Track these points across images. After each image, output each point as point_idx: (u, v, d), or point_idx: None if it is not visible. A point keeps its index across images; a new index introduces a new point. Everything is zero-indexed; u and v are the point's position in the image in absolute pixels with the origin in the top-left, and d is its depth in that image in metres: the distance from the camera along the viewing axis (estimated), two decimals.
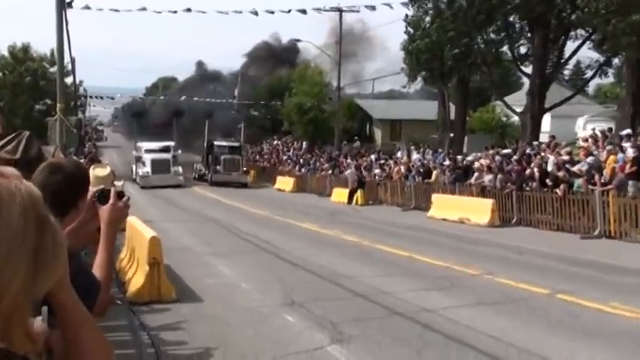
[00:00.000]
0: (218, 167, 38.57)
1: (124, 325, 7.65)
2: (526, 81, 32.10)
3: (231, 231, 17.80)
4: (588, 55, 32.96)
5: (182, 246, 14.12)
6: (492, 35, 30.89)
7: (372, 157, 33.75)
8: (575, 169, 17.56)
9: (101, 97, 75.44)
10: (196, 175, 42.06)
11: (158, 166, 37.14)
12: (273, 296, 9.19)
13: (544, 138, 27.31)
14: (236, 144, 41.30)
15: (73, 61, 42.18)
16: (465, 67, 31.97)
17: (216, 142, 40.35)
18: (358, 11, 43.06)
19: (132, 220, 10.66)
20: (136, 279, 9.35)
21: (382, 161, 31.14)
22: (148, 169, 37.28)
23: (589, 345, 6.73)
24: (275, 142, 53.71)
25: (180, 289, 9.47)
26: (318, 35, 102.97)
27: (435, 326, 7.45)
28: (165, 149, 39.33)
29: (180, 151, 41.53)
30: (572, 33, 29.31)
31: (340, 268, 11.33)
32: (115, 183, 8.49)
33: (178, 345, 7.00)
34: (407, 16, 33.41)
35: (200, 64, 70.89)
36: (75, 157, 13.74)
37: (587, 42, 28.94)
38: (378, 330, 7.34)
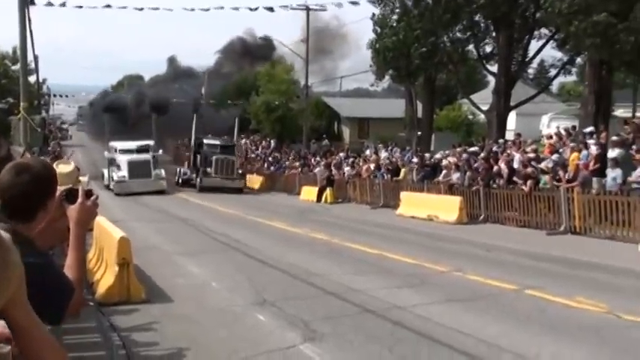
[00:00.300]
0: (209, 170, 33.11)
1: (94, 326, 7.55)
2: (492, 79, 32.53)
3: (200, 230, 17.69)
4: (552, 54, 33.63)
5: (150, 245, 13.98)
6: (458, 34, 31.23)
7: (341, 154, 33.87)
8: (541, 166, 17.87)
9: (65, 96, 74.32)
10: (180, 180, 36.12)
11: (137, 169, 31.70)
12: (243, 295, 9.16)
13: (510, 135, 27.74)
14: (229, 143, 36.27)
15: (36, 59, 41.48)
16: (431, 66, 32.26)
17: (205, 141, 35.23)
18: (325, 9, 43.27)
19: (100, 220, 10.52)
20: (105, 280, 9.24)
21: (352, 159, 31.25)
22: (124, 172, 31.75)
23: (556, 339, 6.86)
24: (243, 140, 53.48)
25: (150, 289, 9.38)
26: (294, 31, 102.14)
27: (406, 323, 7.51)
28: (144, 149, 33.70)
29: (161, 151, 36.79)
30: (536, 32, 29.80)
31: (311, 267, 11.35)
32: (80, 179, 8.37)
33: (149, 346, 6.94)
34: (374, 14, 33.58)
35: (172, 61, 68.44)
36: (42, 157, 13.50)
37: (551, 41, 29.47)
38: (349, 328, 7.37)
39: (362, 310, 8.17)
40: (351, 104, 55.11)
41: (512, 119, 33.40)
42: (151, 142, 35.86)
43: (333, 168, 29.88)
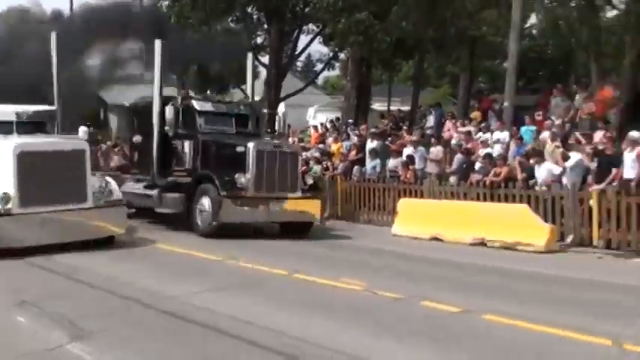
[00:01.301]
0: (242, 180, 13.45)
1: None
2: (263, 70, 33.31)
3: None
4: (318, 49, 35.49)
5: None
6: (232, 24, 31.48)
7: (109, 143, 32.18)
8: (310, 154, 18.84)
9: None
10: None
11: (43, 176, 11.13)
12: None
13: None
14: (258, 107, 18.16)
15: None
16: None
17: (197, 106, 15.55)
18: None
19: None
20: None
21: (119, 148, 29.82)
22: (6, 187, 10.74)
23: (327, 318, 7.25)
24: None
25: None
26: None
27: (178, 313, 7.39)
28: (39, 121, 14.06)
29: (91, 129, 17.18)
30: (305, 27, 31.18)
31: (74, 261, 10.68)
32: None
33: None
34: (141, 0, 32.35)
35: None
36: None
37: (318, 37, 31.05)
38: (119, 323, 7.07)
39: (132, 304, 7.90)
40: (118, 91, 52.67)
41: (282, 110, 34.57)
42: (52, 108, 15.37)
43: (99, 158, 28.25)
